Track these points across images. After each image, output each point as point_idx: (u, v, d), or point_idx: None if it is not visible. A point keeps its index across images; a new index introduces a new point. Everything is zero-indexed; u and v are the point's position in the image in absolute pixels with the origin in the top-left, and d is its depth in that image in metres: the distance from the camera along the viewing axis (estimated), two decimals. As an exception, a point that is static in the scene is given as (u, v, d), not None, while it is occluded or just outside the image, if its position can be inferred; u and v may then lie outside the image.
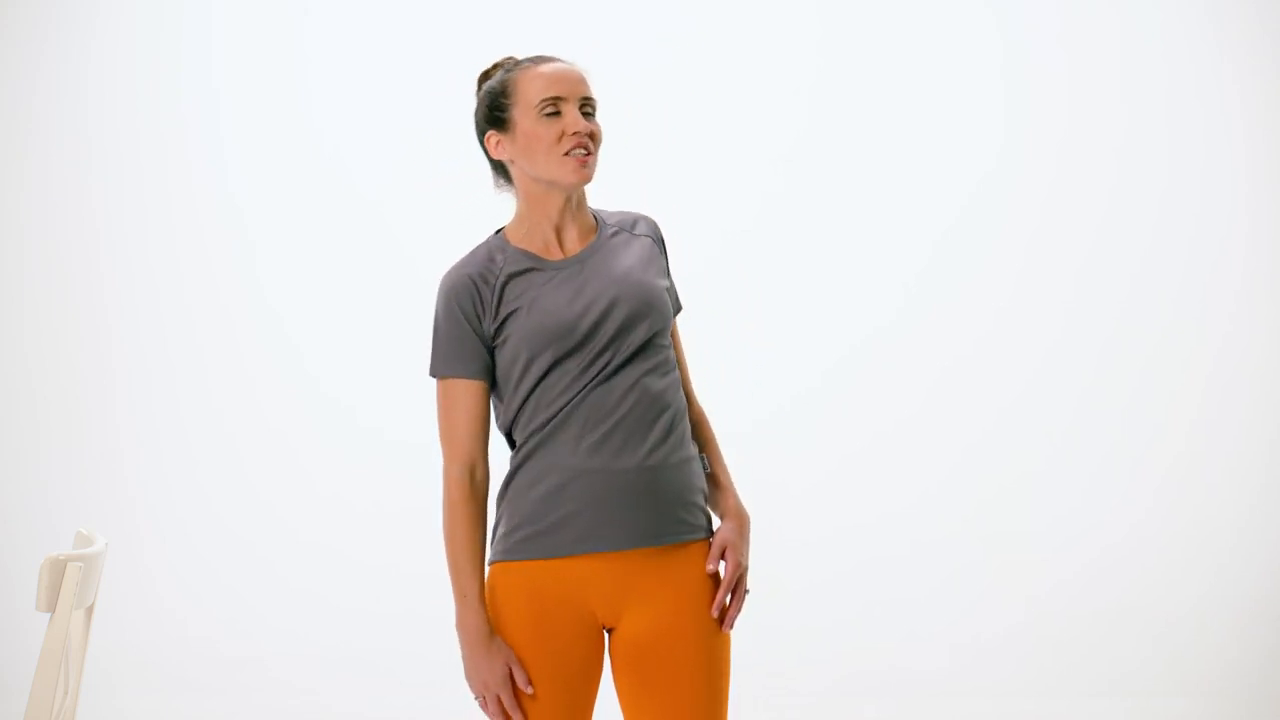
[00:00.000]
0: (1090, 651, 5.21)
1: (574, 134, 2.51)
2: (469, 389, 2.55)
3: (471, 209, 4.93)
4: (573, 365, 2.51)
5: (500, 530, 2.57)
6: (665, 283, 2.61)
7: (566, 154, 2.51)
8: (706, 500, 2.60)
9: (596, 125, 2.55)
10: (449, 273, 2.58)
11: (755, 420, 5.21)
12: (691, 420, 2.65)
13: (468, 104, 2.65)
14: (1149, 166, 5.37)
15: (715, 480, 2.64)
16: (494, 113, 2.58)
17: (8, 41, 5.41)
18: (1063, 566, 5.26)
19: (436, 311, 2.57)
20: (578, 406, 2.50)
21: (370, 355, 5.36)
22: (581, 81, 2.56)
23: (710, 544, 2.57)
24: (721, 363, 4.89)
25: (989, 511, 5.28)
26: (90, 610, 2.65)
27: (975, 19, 5.40)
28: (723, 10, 5.42)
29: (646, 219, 2.66)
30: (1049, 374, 5.33)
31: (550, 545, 2.51)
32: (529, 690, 2.49)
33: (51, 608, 2.37)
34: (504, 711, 2.50)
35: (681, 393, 2.59)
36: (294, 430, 5.35)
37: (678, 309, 2.67)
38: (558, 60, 2.58)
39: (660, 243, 2.65)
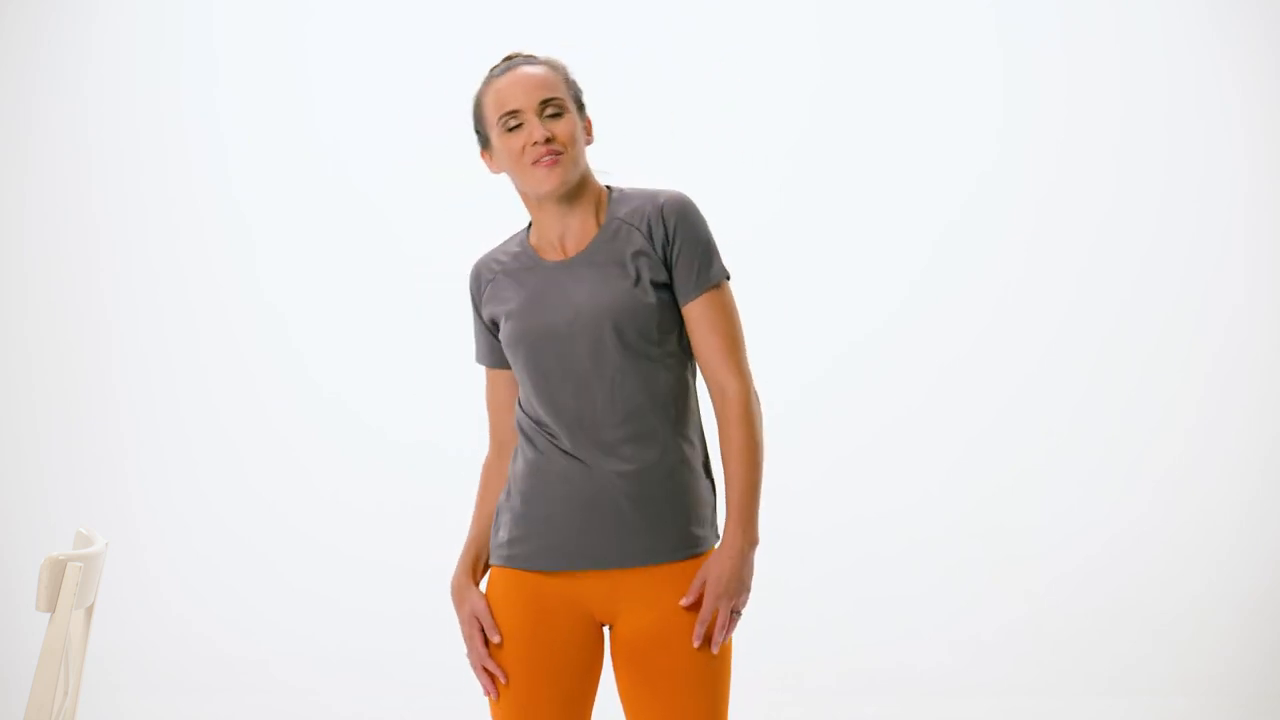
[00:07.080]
0: (1090, 648, 5.21)
1: (534, 144, 2.47)
2: (494, 376, 2.65)
3: (472, 209, 4.94)
4: (548, 368, 2.49)
5: (499, 535, 2.56)
6: (633, 283, 2.47)
7: (534, 163, 2.47)
8: (710, 509, 2.55)
9: (564, 125, 2.47)
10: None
11: (755, 419, 5.20)
12: (718, 417, 2.52)
13: (467, 103, 2.64)
14: (1149, 166, 5.37)
15: (725, 494, 2.53)
16: (478, 132, 2.58)
17: (8, 41, 5.41)
18: (1062, 563, 5.26)
19: None
20: (549, 411, 2.49)
21: (371, 355, 5.36)
22: (536, 86, 2.48)
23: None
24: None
25: (989, 508, 5.28)
26: (90, 610, 2.66)
27: (975, 19, 5.40)
28: (723, 10, 5.42)
29: (659, 203, 2.51)
30: (1049, 371, 5.34)
31: (539, 560, 2.51)
32: (496, 639, 2.51)
33: (51, 608, 2.38)
34: (479, 660, 2.54)
35: (669, 393, 2.50)
36: (294, 430, 5.35)
37: (714, 281, 2.54)
38: (514, 67, 2.52)
39: (659, 228, 2.50)
